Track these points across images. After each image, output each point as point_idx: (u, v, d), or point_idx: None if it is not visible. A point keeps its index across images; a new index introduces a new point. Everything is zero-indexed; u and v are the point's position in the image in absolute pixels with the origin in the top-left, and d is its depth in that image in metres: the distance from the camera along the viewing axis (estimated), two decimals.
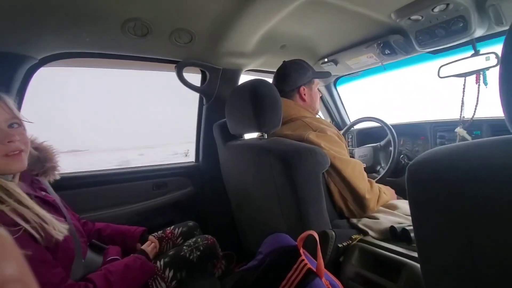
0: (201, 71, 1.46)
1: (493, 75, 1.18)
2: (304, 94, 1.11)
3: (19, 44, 0.96)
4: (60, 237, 0.62)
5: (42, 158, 0.81)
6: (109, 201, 1.25)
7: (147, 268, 0.81)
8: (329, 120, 2.13)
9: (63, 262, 0.66)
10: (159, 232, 1.09)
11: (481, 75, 1.20)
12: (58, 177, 0.86)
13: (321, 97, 2.01)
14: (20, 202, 0.61)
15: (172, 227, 1.12)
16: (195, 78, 1.48)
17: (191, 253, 0.93)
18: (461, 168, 0.36)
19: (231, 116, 1.07)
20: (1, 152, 0.62)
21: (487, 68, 1.16)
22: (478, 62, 1.17)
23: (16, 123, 0.67)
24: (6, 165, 0.63)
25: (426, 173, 0.41)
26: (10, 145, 0.63)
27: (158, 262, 0.87)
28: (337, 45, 1.49)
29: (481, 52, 1.17)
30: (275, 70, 1.17)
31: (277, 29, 1.21)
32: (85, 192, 1.20)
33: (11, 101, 0.68)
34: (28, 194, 0.66)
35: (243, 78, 1.52)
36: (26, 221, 0.58)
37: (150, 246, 0.94)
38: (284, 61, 1.15)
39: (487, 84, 1.20)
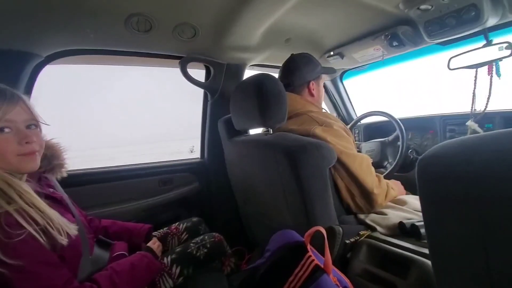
0: (205, 66, 1.45)
1: (507, 66, 1.14)
2: (313, 89, 1.10)
3: (25, 42, 0.96)
4: (64, 242, 0.61)
5: (49, 156, 0.81)
6: (115, 198, 1.26)
7: (154, 267, 0.81)
8: (335, 114, 2.10)
9: (71, 260, 0.66)
10: (164, 228, 1.09)
11: (493, 66, 1.16)
12: (65, 175, 0.86)
13: (326, 92, 1.99)
14: (29, 203, 0.60)
15: (176, 223, 1.13)
16: (199, 73, 1.47)
17: (198, 250, 0.92)
18: (476, 162, 0.35)
19: (236, 111, 1.06)
20: (16, 151, 0.63)
21: (500, 59, 1.12)
22: (490, 53, 1.13)
23: (33, 124, 0.68)
24: (20, 164, 0.64)
25: (438, 167, 0.39)
26: (27, 146, 0.64)
27: (165, 259, 0.87)
28: (343, 38, 1.45)
29: (493, 42, 1.13)
30: (280, 65, 1.16)
31: (282, 22, 1.19)
32: (92, 189, 1.21)
33: (30, 102, 0.69)
34: (37, 193, 0.66)
35: (248, 74, 1.50)
36: (31, 223, 0.58)
37: (155, 244, 0.94)
38: (292, 54, 1.13)
39: (500, 75, 1.16)
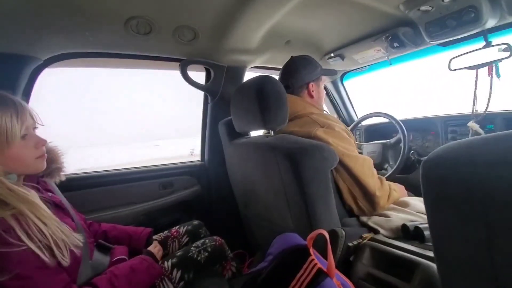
0: (206, 69, 1.45)
1: (506, 67, 1.15)
2: (313, 91, 1.09)
3: (24, 45, 0.96)
4: (65, 263, 0.61)
5: (48, 159, 0.80)
6: (115, 201, 1.25)
7: (154, 270, 0.80)
8: (335, 116, 2.10)
9: (70, 266, 0.65)
10: (164, 232, 1.08)
11: (493, 67, 1.16)
12: (63, 178, 0.85)
13: (326, 94, 1.98)
14: (36, 216, 0.60)
15: (177, 226, 1.12)
16: (199, 76, 1.47)
17: (199, 254, 0.91)
18: (480, 164, 0.34)
19: (237, 113, 1.05)
20: (35, 155, 0.69)
21: (500, 60, 1.12)
22: (490, 54, 1.14)
23: (35, 128, 0.73)
24: (36, 166, 0.70)
25: (442, 169, 0.38)
26: (42, 148, 0.71)
27: (165, 263, 0.86)
28: (344, 39, 1.46)
29: (493, 44, 1.13)
30: (280, 67, 1.15)
31: (282, 24, 1.19)
32: (91, 193, 1.20)
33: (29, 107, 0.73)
34: (42, 199, 0.66)
35: (248, 76, 1.50)
36: (35, 240, 0.57)
37: (156, 248, 0.93)
38: (292, 56, 1.13)
39: (499, 76, 1.16)
